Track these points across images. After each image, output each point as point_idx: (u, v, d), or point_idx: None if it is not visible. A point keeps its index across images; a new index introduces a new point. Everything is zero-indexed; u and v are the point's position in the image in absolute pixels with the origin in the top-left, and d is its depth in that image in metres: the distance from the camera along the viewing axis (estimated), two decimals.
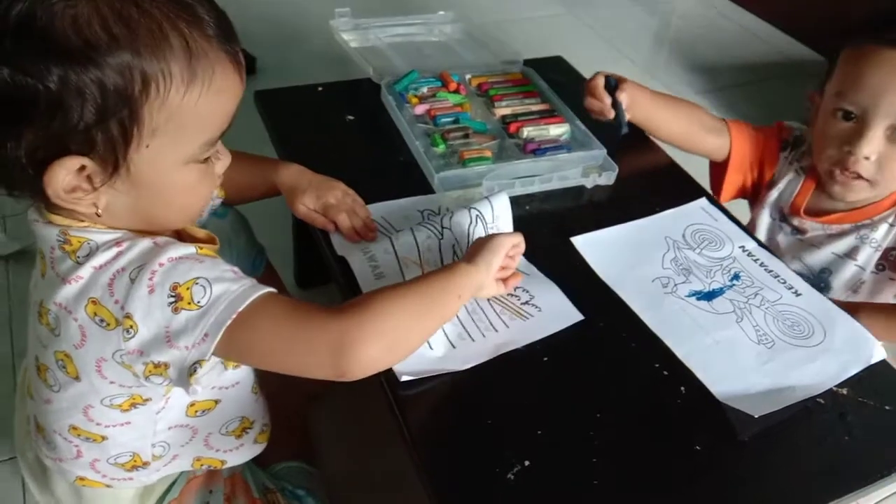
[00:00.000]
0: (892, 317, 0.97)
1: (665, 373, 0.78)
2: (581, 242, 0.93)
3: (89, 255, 0.61)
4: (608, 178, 1.03)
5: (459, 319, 0.80)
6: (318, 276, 1.35)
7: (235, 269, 0.65)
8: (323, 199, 0.89)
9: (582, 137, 1.08)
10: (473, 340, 0.78)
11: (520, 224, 0.93)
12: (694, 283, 0.89)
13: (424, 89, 1.14)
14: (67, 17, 0.52)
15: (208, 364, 0.61)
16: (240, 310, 0.60)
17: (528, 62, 1.26)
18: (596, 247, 0.93)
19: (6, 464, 1.07)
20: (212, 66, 0.58)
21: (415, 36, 1.34)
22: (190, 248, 0.63)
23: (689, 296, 0.87)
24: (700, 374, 0.77)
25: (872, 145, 0.92)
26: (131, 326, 0.60)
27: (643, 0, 2.85)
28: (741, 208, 1.19)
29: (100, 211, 0.61)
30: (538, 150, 1.04)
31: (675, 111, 1.11)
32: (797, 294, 0.89)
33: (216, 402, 0.76)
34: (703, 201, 1.03)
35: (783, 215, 1.09)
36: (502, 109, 1.12)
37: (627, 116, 1.05)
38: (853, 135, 0.93)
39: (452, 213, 0.88)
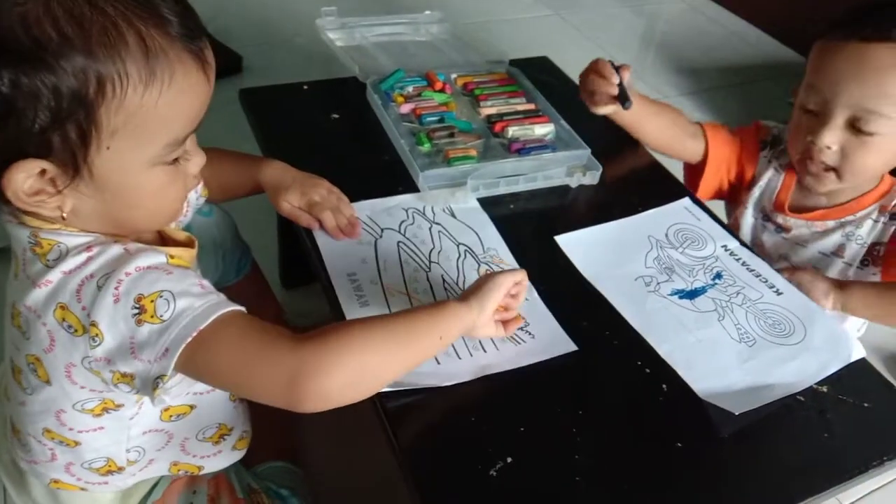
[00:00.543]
0: (884, 293, 0.98)
1: (647, 371, 0.78)
2: (565, 241, 0.93)
3: (59, 258, 0.60)
4: (592, 178, 1.04)
5: None
6: (302, 275, 1.35)
7: (204, 282, 0.63)
8: (307, 196, 0.88)
9: (566, 137, 1.08)
10: (459, 358, 0.76)
11: (504, 223, 0.94)
12: (676, 281, 0.90)
13: (410, 88, 1.14)
14: (16, 15, 0.50)
15: (174, 379, 0.60)
16: (201, 327, 0.58)
17: (513, 62, 1.26)
18: (579, 246, 0.93)
19: None
20: (171, 65, 0.56)
21: (401, 35, 1.34)
22: (160, 257, 0.62)
23: (671, 294, 0.88)
24: (682, 372, 0.78)
25: (833, 135, 0.93)
26: (97, 334, 0.59)
27: (630, 2, 2.87)
28: (723, 208, 1.20)
29: (64, 214, 0.59)
30: (523, 149, 1.04)
31: (660, 115, 1.11)
32: (778, 293, 0.90)
33: (191, 407, 0.75)
34: (686, 201, 1.04)
35: (766, 214, 1.10)
36: (487, 109, 1.12)
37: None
38: (815, 125, 0.95)
39: (441, 248, 0.88)
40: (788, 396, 0.77)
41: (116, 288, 0.58)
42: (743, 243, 0.98)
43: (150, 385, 0.60)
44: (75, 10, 0.52)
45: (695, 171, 1.14)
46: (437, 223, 0.93)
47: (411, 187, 0.98)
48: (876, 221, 1.02)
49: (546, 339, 0.80)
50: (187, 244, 0.73)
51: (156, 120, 0.57)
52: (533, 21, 2.60)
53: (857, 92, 0.90)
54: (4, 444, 0.81)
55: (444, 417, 0.71)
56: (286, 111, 1.11)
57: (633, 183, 1.09)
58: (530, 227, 0.96)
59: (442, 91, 1.14)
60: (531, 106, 1.15)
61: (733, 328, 0.85)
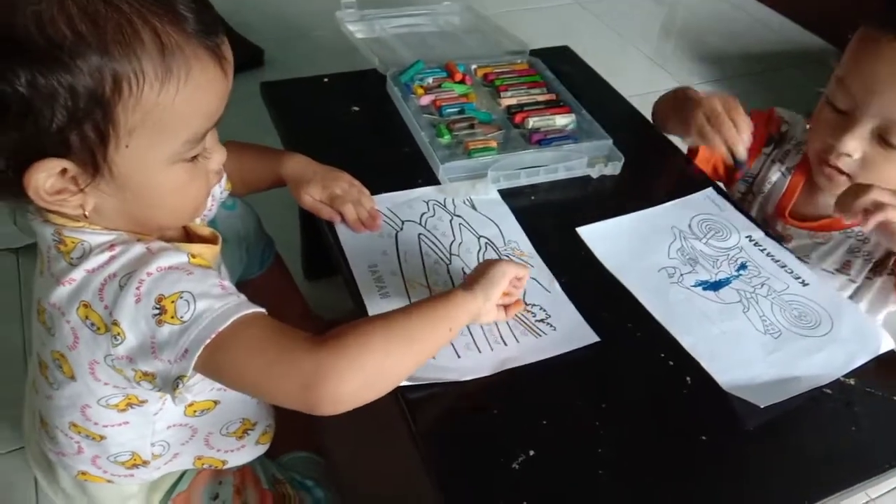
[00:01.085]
0: None
1: (671, 363, 0.77)
2: (587, 233, 0.93)
3: (83, 256, 0.61)
4: (614, 168, 1.03)
5: (469, 329, 0.78)
6: (325, 268, 1.36)
7: (226, 282, 0.63)
8: (329, 189, 0.88)
9: (588, 127, 1.07)
10: (480, 352, 0.76)
11: (525, 215, 0.94)
12: (700, 272, 0.89)
13: (430, 80, 1.13)
14: (30, 14, 0.50)
15: (193, 378, 0.61)
16: (220, 329, 0.58)
17: (534, 52, 1.25)
18: (602, 237, 0.92)
19: (18, 453, 1.09)
20: (188, 62, 0.56)
21: (420, 26, 1.34)
22: (182, 257, 0.62)
23: (695, 286, 0.87)
24: (706, 364, 0.77)
25: (856, 143, 0.86)
26: (119, 333, 0.59)
27: None
28: None
29: (87, 212, 0.60)
30: (544, 140, 1.04)
31: None
32: (804, 284, 0.89)
33: (215, 402, 0.76)
34: (709, 191, 1.02)
35: (765, 219, 1.04)
36: (508, 100, 1.12)
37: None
38: (838, 128, 0.87)
39: (461, 240, 0.88)
40: (815, 389, 0.76)
41: (138, 288, 0.59)
42: (768, 233, 0.96)
43: (171, 385, 0.60)
44: (90, 8, 0.51)
45: (690, 151, 1.09)
46: (458, 215, 0.93)
47: (432, 179, 0.98)
48: None
49: (568, 331, 0.79)
50: (212, 240, 0.74)
51: (173, 117, 0.57)
52: (553, 10, 2.58)
53: (890, 102, 0.82)
54: (34, 436, 0.83)
55: (466, 411, 0.71)
56: (307, 104, 1.12)
57: (656, 173, 1.08)
58: (551, 218, 0.95)
59: (462, 82, 1.14)
60: (552, 96, 1.14)
61: (758, 320, 0.84)
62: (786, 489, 0.68)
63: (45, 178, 0.56)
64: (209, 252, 0.71)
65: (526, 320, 0.80)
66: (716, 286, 0.88)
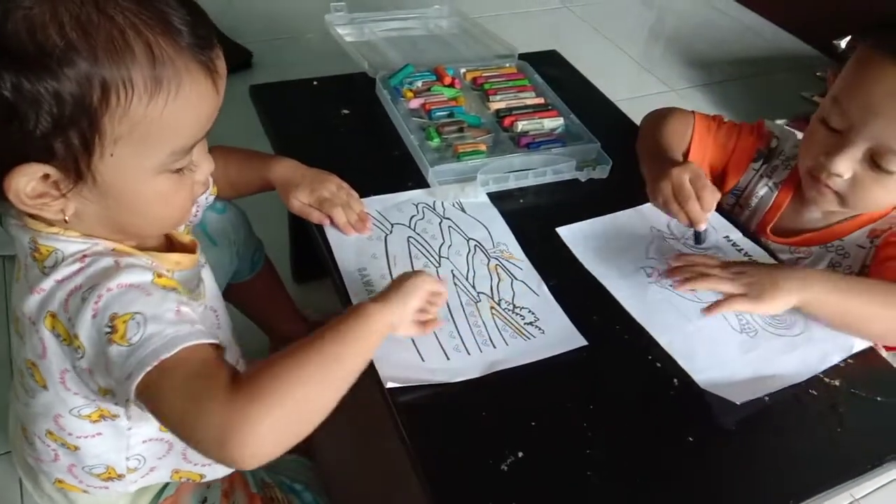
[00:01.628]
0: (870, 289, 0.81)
1: (658, 365, 0.78)
2: (566, 233, 0.93)
3: (54, 266, 0.60)
4: (602, 172, 1.03)
5: (458, 331, 0.78)
6: (313, 271, 1.35)
7: (184, 308, 0.59)
8: (317, 193, 0.88)
9: (576, 131, 1.08)
10: (469, 354, 0.76)
11: (514, 218, 0.94)
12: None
13: (419, 83, 1.14)
14: (21, 19, 0.50)
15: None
16: (164, 357, 0.54)
17: (522, 56, 1.26)
18: (580, 237, 0.93)
19: (6, 457, 1.08)
20: (179, 75, 0.55)
21: (410, 30, 1.34)
22: (146, 276, 0.60)
23: (672, 285, 0.87)
24: (683, 363, 0.78)
25: (847, 165, 0.85)
26: (79, 346, 0.58)
27: None
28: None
29: (67, 217, 0.58)
30: (532, 143, 1.04)
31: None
32: None
33: None
34: None
35: (747, 234, 1.00)
36: (497, 103, 1.12)
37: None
38: (831, 147, 0.86)
39: (451, 243, 0.88)
40: (800, 390, 0.77)
41: (96, 302, 0.57)
42: (746, 234, 0.97)
43: (123, 405, 0.59)
44: (83, 17, 0.51)
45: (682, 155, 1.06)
46: (447, 218, 0.93)
47: (421, 182, 0.98)
48: (863, 248, 0.93)
49: (556, 335, 0.80)
50: (191, 248, 0.73)
51: (161, 129, 0.56)
52: (542, 14, 2.59)
53: (885, 126, 0.81)
54: (18, 441, 0.82)
55: (455, 412, 0.72)
56: (296, 107, 1.12)
57: (643, 176, 1.08)
58: (540, 221, 0.96)
59: (451, 86, 1.14)
60: (540, 100, 1.14)
61: (735, 319, 0.84)
62: (772, 489, 0.69)
63: (27, 181, 0.55)
64: (187, 260, 0.71)
65: (515, 323, 0.80)
66: None
